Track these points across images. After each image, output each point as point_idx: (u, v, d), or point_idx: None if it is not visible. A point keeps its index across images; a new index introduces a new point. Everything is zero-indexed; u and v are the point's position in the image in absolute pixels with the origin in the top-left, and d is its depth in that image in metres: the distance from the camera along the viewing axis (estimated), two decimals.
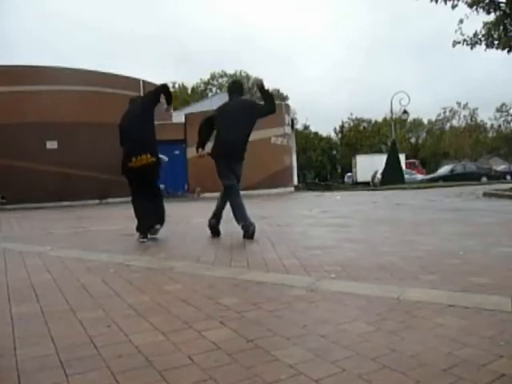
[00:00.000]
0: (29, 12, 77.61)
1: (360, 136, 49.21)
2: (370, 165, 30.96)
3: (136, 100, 5.14)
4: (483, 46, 11.94)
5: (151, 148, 4.69)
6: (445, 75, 79.88)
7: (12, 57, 69.39)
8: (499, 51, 11.80)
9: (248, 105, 4.85)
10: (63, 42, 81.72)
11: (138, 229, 4.80)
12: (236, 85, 5.13)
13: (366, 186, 27.29)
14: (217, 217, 4.81)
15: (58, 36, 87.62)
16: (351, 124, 51.91)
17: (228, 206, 4.69)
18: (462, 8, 11.85)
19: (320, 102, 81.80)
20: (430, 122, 54.17)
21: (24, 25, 78.51)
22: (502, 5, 11.49)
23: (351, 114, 52.86)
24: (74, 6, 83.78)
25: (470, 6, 11.51)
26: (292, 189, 19.85)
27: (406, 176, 22.62)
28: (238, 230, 5.17)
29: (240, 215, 4.51)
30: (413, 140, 54.78)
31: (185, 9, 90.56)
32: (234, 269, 3.02)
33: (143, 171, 4.68)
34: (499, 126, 45.85)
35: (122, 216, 9.43)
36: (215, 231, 4.81)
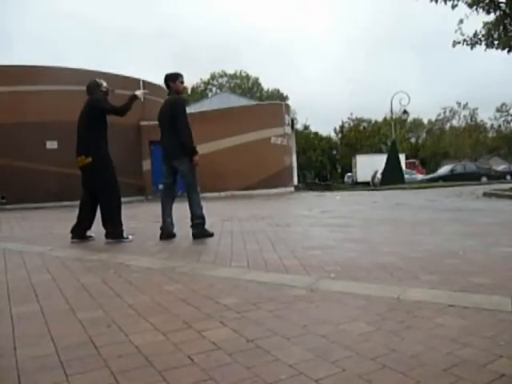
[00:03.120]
0: (28, 11, 77.58)
1: (360, 136, 49.16)
2: (370, 165, 30.96)
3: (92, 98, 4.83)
4: (483, 45, 11.95)
5: (86, 149, 4.68)
6: (445, 75, 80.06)
7: (11, 56, 69.37)
8: (499, 51, 11.81)
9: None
10: (62, 42, 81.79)
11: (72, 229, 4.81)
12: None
13: (366, 185, 27.30)
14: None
15: (57, 35, 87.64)
16: (351, 124, 51.88)
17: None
18: (462, 8, 11.87)
19: (320, 102, 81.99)
20: (430, 121, 54.18)
21: (23, 24, 78.53)
22: (502, 5, 11.50)
23: (351, 114, 52.92)
24: (74, 4, 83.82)
25: (470, 6, 11.52)
26: (292, 189, 19.83)
27: (406, 176, 22.62)
28: (238, 230, 5.18)
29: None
30: (413, 140, 54.75)
31: (185, 8, 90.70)
32: (234, 269, 3.02)
33: (85, 173, 4.75)
34: (499, 125, 45.90)
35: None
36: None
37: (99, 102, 4.73)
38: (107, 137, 4.81)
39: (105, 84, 4.90)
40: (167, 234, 4.63)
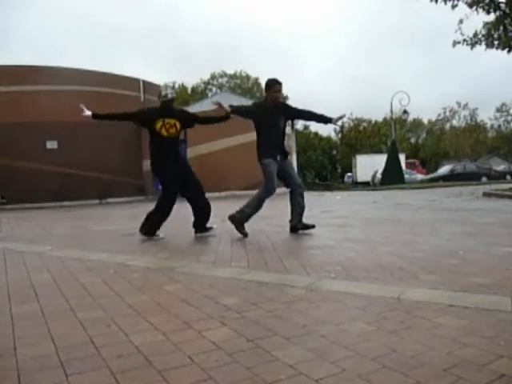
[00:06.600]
0: (26, 9, 77.41)
1: (360, 136, 49.16)
2: (370, 165, 30.97)
3: None
4: (483, 45, 11.95)
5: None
6: (445, 75, 79.99)
7: (6, 54, 68.95)
8: (499, 51, 11.80)
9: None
10: (61, 41, 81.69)
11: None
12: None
13: (366, 185, 27.29)
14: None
15: (57, 34, 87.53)
16: (351, 124, 51.85)
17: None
18: (462, 8, 11.86)
19: (320, 101, 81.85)
20: (430, 122, 54.15)
21: (21, 22, 78.38)
22: (501, 5, 11.49)
23: (351, 114, 52.82)
24: (73, 3, 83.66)
25: (470, 6, 11.51)
26: None
27: (405, 176, 22.61)
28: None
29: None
30: (413, 140, 54.71)
31: (185, 7, 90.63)
32: (234, 269, 3.02)
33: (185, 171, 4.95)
34: (499, 126, 45.88)
35: (122, 216, 9.43)
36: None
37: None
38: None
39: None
40: (301, 225, 4.92)
